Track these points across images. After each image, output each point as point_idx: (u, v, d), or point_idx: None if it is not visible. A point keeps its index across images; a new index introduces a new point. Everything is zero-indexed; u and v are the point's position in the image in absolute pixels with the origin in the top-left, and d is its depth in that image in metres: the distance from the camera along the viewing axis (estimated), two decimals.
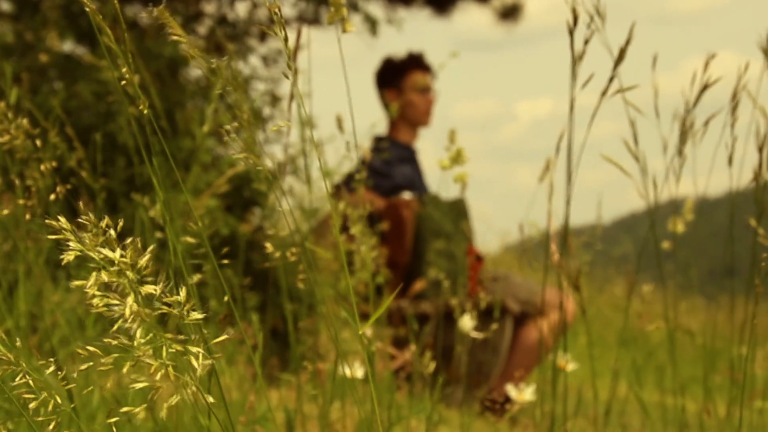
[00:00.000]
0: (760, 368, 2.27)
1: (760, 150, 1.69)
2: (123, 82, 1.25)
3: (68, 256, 0.97)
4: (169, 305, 1.00)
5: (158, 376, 1.00)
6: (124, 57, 1.23)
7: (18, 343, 1.09)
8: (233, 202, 4.08)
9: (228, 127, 1.17)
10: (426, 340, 3.82)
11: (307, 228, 3.84)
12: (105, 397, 1.94)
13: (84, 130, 3.78)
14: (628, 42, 1.60)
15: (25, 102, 2.78)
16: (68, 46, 4.69)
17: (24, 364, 1.08)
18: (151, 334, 0.99)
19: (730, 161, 1.78)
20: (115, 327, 0.98)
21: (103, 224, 0.98)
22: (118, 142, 3.93)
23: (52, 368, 1.07)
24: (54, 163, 1.90)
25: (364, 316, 1.79)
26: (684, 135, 1.77)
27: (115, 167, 3.89)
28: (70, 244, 0.97)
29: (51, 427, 1.06)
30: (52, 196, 1.80)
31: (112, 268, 0.98)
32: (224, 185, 2.89)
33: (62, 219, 0.97)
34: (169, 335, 0.99)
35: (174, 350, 1.00)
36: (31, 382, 1.07)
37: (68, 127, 2.02)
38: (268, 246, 1.89)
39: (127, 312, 0.97)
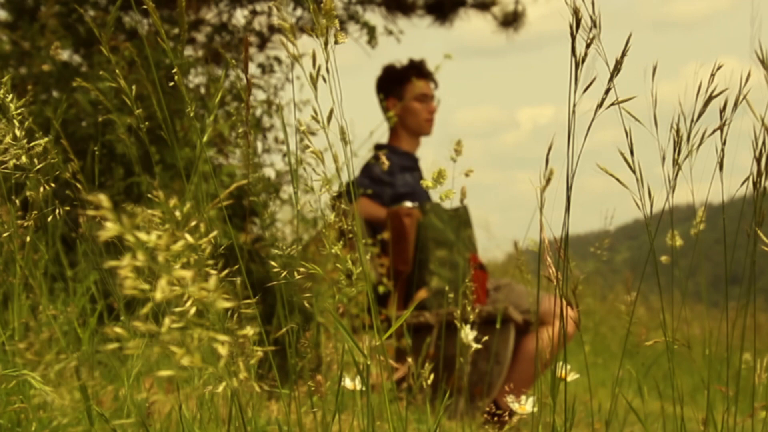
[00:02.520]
0: (762, 377, 2.24)
1: (758, 160, 1.67)
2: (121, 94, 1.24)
3: (105, 234, 0.95)
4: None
5: (186, 362, 0.98)
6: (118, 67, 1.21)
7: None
8: (233, 212, 4.06)
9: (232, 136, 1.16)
10: (427, 350, 3.80)
11: (308, 237, 3.83)
12: (101, 412, 1.93)
13: (82, 140, 3.76)
14: (624, 54, 1.58)
15: (23, 111, 2.76)
16: (65, 54, 4.68)
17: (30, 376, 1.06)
18: (182, 321, 0.97)
19: (721, 166, 1.76)
20: (146, 309, 0.97)
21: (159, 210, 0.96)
22: (116, 152, 3.92)
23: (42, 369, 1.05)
24: (53, 182, 1.88)
25: (366, 326, 1.76)
26: (679, 145, 1.75)
27: (113, 177, 3.88)
28: (108, 223, 0.95)
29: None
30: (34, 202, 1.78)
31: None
32: (227, 198, 2.88)
33: (103, 197, 0.95)
34: (202, 320, 0.98)
35: (202, 337, 0.98)
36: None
37: (63, 139, 2.00)
38: (274, 264, 1.87)
39: (159, 296, 0.95)
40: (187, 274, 0.97)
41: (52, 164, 1.91)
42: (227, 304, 0.99)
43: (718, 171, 1.76)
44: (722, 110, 1.70)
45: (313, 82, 1.39)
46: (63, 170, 1.90)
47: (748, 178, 1.74)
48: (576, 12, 1.55)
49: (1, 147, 1.76)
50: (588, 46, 1.58)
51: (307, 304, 1.93)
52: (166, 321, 0.98)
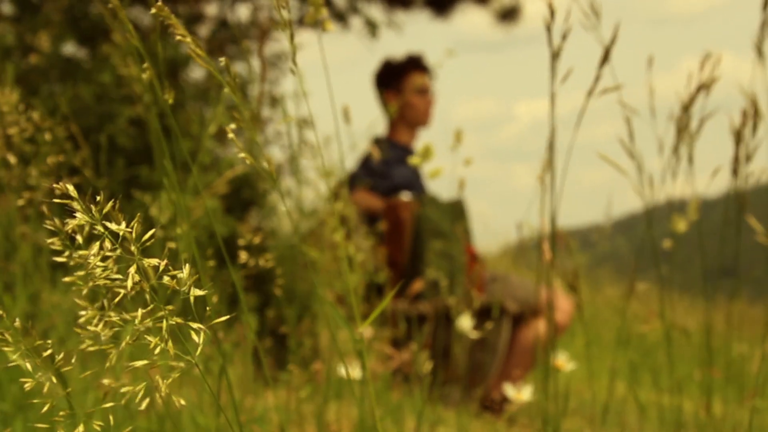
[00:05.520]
0: (756, 366, 2.27)
1: (737, 157, 1.70)
2: (140, 78, 1.27)
3: (72, 224, 0.96)
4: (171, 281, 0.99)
5: (157, 351, 0.99)
6: (133, 56, 1.24)
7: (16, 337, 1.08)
8: (232, 203, 4.09)
9: (230, 126, 1.18)
10: (424, 340, 3.83)
11: (307, 228, 3.85)
12: (103, 393, 1.95)
13: (84, 132, 3.79)
14: (612, 42, 1.60)
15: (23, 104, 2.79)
16: (69, 49, 4.71)
17: (23, 347, 1.06)
18: (150, 307, 0.97)
19: (734, 170, 1.79)
20: (117, 300, 0.97)
21: (108, 207, 0.96)
22: (117, 144, 3.94)
23: (48, 352, 1.06)
24: (60, 157, 1.90)
25: (363, 317, 1.80)
26: (680, 134, 1.78)
27: (114, 168, 3.90)
28: (77, 214, 0.96)
29: (45, 408, 1.05)
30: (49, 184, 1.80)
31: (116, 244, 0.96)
32: (224, 186, 2.91)
33: (70, 186, 0.96)
34: (170, 307, 0.98)
35: (174, 323, 0.99)
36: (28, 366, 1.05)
37: (73, 125, 2.02)
38: (243, 256, 1.90)
39: (129, 284, 0.96)
40: (157, 262, 0.97)
41: (60, 147, 1.93)
42: (200, 293, 0.99)
43: (715, 163, 1.79)
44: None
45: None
46: (71, 156, 1.93)
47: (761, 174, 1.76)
48: (550, 5, 1.57)
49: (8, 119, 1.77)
50: (564, 38, 1.61)
51: (279, 291, 1.94)
52: (139, 310, 0.98)
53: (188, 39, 1.18)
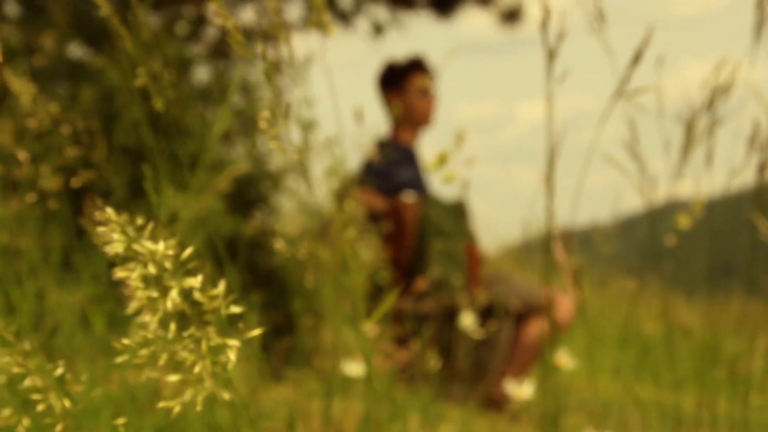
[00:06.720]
0: (757, 364, 2.29)
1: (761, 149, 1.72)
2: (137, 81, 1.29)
3: (115, 248, 0.96)
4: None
5: (196, 370, 0.99)
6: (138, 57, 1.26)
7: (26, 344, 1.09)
8: (236, 203, 4.11)
9: (264, 114, 1.19)
10: (428, 338, 3.85)
11: (314, 227, 3.88)
12: (110, 395, 1.97)
13: (91, 132, 3.81)
14: (645, 43, 1.61)
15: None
16: (75, 51, 4.73)
17: (30, 366, 1.06)
18: (187, 328, 0.98)
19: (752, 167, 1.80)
20: (155, 319, 0.97)
21: (122, 219, 0.97)
22: (121, 144, 3.97)
23: (60, 371, 1.05)
24: (78, 151, 1.90)
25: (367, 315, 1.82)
26: (690, 135, 1.80)
27: (120, 170, 3.93)
28: (115, 236, 0.96)
29: (59, 429, 1.05)
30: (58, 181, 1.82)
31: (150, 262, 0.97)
32: (226, 184, 2.93)
33: (110, 210, 0.96)
34: (211, 329, 0.99)
35: (210, 344, 0.99)
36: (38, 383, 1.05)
37: (91, 121, 2.03)
38: (278, 243, 1.91)
39: (169, 305, 0.97)
40: (196, 282, 0.98)
41: (75, 141, 1.94)
42: (236, 310, 1.00)
43: (717, 164, 1.81)
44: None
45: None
46: (88, 151, 1.94)
47: None
48: (545, 6, 1.57)
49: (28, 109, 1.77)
50: (559, 38, 1.61)
51: (308, 286, 1.96)
52: (172, 327, 0.98)
53: (229, 22, 1.20)
